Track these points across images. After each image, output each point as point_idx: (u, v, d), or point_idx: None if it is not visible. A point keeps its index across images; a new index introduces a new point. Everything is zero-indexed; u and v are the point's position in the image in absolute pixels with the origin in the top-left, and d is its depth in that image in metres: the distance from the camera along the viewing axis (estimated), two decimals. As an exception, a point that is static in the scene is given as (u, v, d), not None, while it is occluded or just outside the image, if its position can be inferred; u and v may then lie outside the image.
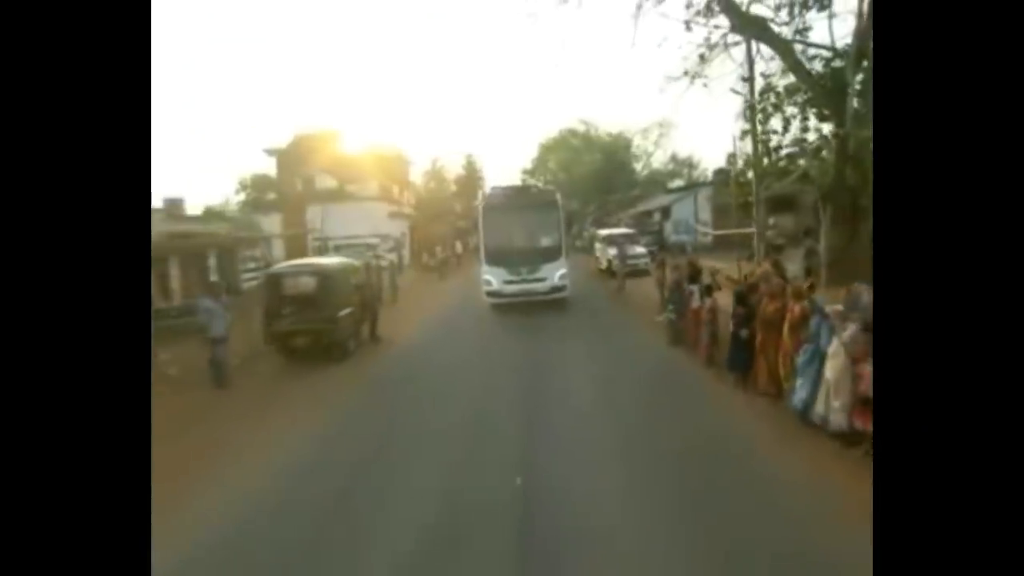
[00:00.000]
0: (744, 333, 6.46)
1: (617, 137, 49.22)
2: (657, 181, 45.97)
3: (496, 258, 12.80)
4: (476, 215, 14.22)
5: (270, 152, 36.97)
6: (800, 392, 5.34)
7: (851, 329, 4.71)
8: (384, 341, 10.90)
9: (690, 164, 48.64)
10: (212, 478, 5.16)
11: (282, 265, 10.93)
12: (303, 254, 25.39)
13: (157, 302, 12.79)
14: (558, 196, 13.93)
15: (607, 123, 54.87)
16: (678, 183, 43.43)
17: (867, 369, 4.44)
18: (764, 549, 3.59)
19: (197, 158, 58.95)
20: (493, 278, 12.73)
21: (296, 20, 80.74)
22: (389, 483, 4.86)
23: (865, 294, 4.86)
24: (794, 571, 3.42)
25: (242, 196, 43.58)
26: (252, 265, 20.59)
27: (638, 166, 49.89)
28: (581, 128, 49.96)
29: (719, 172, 27.71)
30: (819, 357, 5.11)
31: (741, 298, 6.71)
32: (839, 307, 5.12)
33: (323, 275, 9.40)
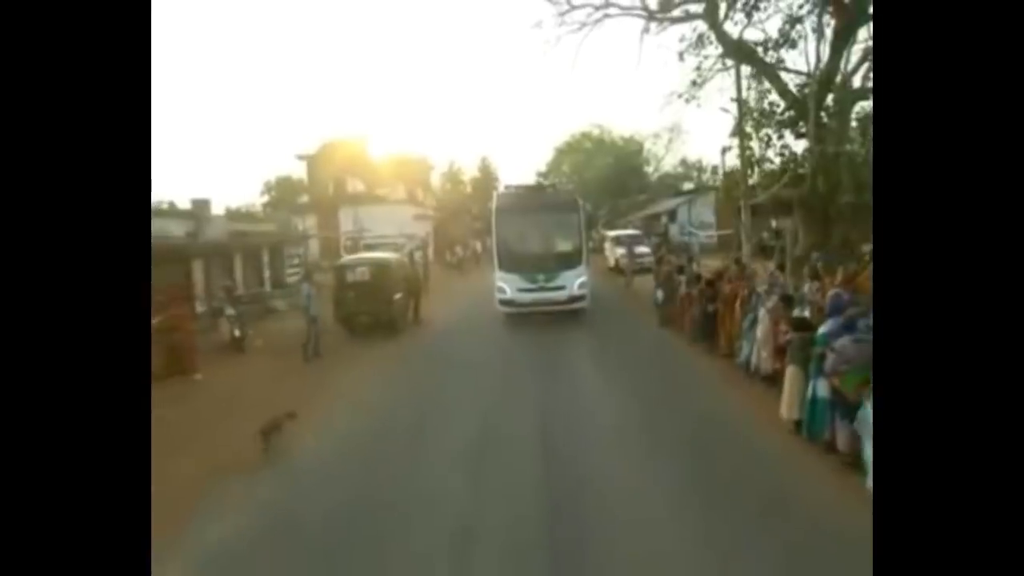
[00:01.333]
0: (711, 308, 8.56)
1: (629, 141, 50.93)
2: (667, 184, 47.62)
3: (510, 264, 11.79)
4: (488, 216, 13.39)
5: (301, 157, 39.61)
6: (744, 350, 7.40)
7: (773, 300, 6.76)
8: (424, 322, 13.13)
9: (699, 168, 50.18)
10: (333, 403, 7.40)
11: (346, 259, 13.25)
12: (337, 253, 27.85)
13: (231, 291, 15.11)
14: (578, 197, 13.27)
15: (620, 127, 56.49)
16: (688, 186, 45.09)
17: (783, 327, 6.46)
18: (705, 424, 5.73)
19: (222, 161, 61.95)
20: (507, 285, 11.71)
21: (313, 27, 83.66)
22: (440, 404, 7.23)
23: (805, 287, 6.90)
24: (714, 425, 5.64)
25: (266, 198, 46.24)
26: (296, 261, 23.00)
27: (649, 169, 51.61)
28: (595, 132, 51.80)
29: (727, 175, 29.59)
30: (755, 323, 7.17)
31: (709, 283, 8.82)
32: (765, 287, 7.19)
33: (379, 267, 11.66)
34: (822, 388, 4.93)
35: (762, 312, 6.92)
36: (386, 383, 8.47)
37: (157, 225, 12.27)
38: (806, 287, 7.25)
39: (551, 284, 11.65)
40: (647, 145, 51.00)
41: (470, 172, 49.30)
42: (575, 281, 11.75)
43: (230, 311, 10.80)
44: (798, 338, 5.50)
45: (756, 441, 5.49)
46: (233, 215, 21.40)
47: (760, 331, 6.92)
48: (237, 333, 10.50)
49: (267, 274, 19.55)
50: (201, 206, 22.57)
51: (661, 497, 4.56)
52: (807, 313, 6.03)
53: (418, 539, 4.11)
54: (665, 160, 51.76)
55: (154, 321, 8.74)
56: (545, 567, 3.74)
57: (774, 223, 22.58)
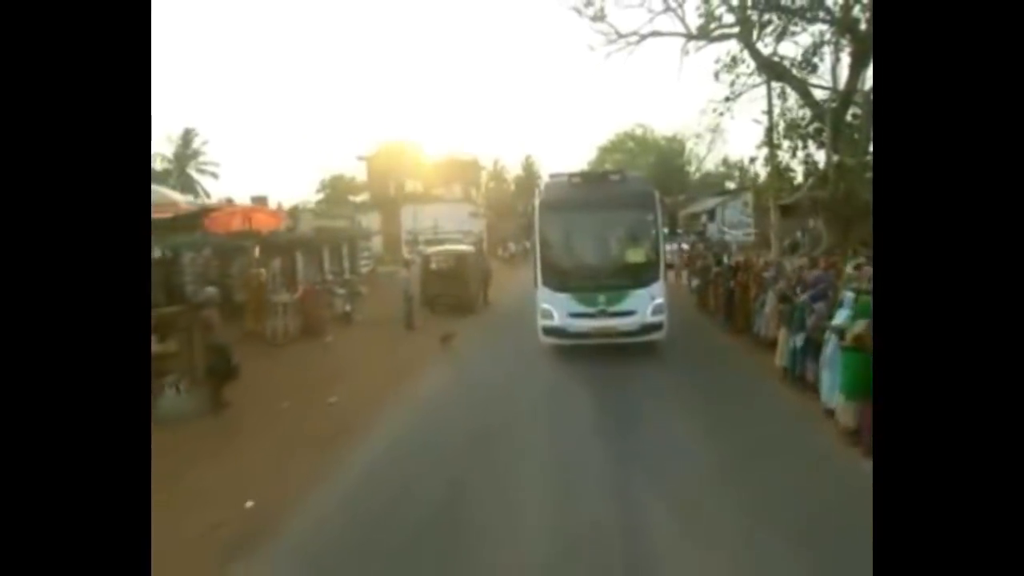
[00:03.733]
0: (730, 285, 10.70)
1: (672, 140, 52.23)
2: (709, 184, 48.76)
3: (559, 280, 8.84)
4: (530, 215, 9.73)
5: (361, 158, 42.79)
6: (758, 324, 9.46)
7: (779, 285, 8.81)
8: (492, 303, 15.58)
9: (741, 168, 50.98)
10: (432, 359, 9.84)
11: (430, 250, 15.77)
12: (398, 248, 30.72)
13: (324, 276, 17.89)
14: (653, 188, 9.60)
15: (662, 127, 57.64)
16: (731, 185, 46.16)
17: (782, 306, 8.48)
18: (721, 370, 7.89)
19: (276, 159, 66.17)
20: (555, 309, 8.73)
21: (349, 30, 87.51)
22: (508, 352, 9.56)
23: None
24: (725, 366, 7.76)
25: (321, 195, 49.72)
26: (367, 254, 25.95)
27: (691, 169, 52.83)
28: (638, 131, 53.31)
29: (755, 180, 31.12)
30: (764, 304, 9.23)
31: (732, 270, 10.89)
32: (772, 274, 9.27)
33: (459, 257, 14.15)
34: (799, 341, 7.01)
35: (770, 294, 8.97)
36: (472, 341, 10.97)
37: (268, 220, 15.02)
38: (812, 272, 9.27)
39: (616, 308, 8.61)
40: (689, 145, 52.01)
41: (515, 171, 51.52)
42: (649, 304, 8.64)
43: (340, 291, 13.45)
44: (787, 308, 7.58)
45: (754, 376, 7.71)
46: (316, 213, 24.27)
47: (767, 308, 8.98)
48: (348, 308, 13.12)
49: (347, 264, 22.41)
50: (259, 202, 25.61)
51: (692, 393, 7.13)
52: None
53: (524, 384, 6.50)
54: (707, 160, 52.80)
55: (294, 296, 11.45)
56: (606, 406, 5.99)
57: (811, 223, 24.13)
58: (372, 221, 32.66)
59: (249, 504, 4.66)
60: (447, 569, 3.76)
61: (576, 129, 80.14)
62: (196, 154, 38.72)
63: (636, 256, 9.01)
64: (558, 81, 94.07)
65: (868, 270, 8.09)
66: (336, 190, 48.53)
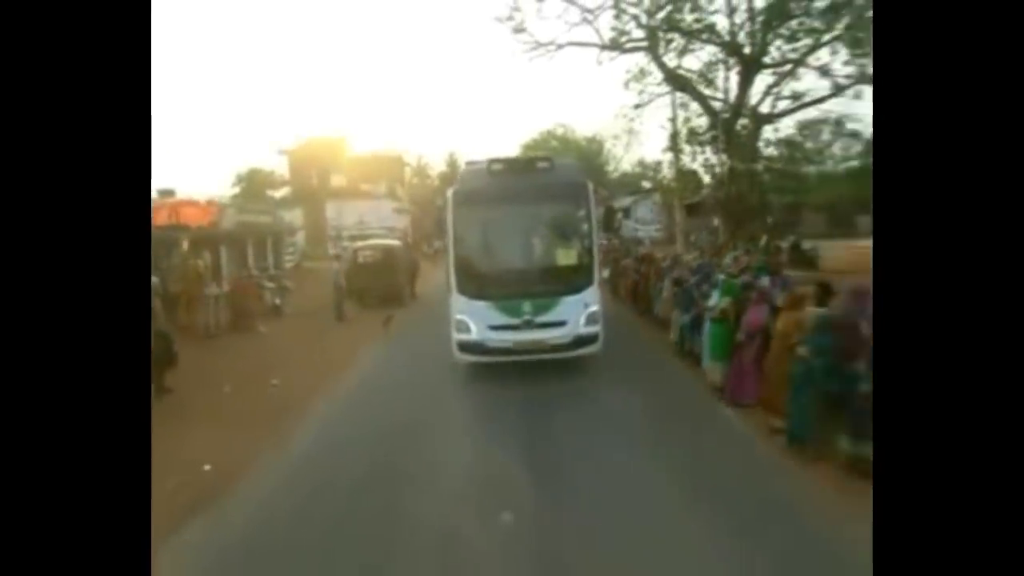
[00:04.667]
0: (636, 275, 12.05)
1: (591, 141, 54.60)
2: (625, 183, 51.38)
3: (476, 286, 7.57)
4: (442, 210, 8.49)
5: (282, 152, 41.70)
6: (656, 307, 10.80)
7: (675, 273, 10.15)
8: (418, 296, 16.24)
9: (655, 168, 54.15)
10: (365, 345, 10.44)
11: (358, 244, 16.18)
12: (323, 243, 30.54)
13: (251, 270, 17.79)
14: (586, 178, 8.13)
15: (583, 128, 59.80)
16: (647, 185, 48.94)
17: (675, 290, 9.83)
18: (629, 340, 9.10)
19: (189, 151, 62.82)
20: (472, 320, 7.47)
21: (271, 22, 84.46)
22: (433, 340, 10.26)
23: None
24: (633, 340, 8.94)
25: (236, 190, 47.88)
26: (291, 249, 25.73)
27: (610, 169, 55.41)
28: (559, 131, 55.26)
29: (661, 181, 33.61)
30: (662, 289, 10.58)
31: (638, 262, 12.26)
32: (668, 264, 10.65)
33: (386, 251, 14.71)
34: (687, 319, 8.31)
35: (667, 281, 10.32)
36: (401, 330, 11.62)
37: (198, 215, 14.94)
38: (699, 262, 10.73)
39: (544, 318, 7.38)
40: (607, 146, 54.84)
41: (439, 167, 51.90)
42: (582, 313, 7.46)
43: (269, 284, 13.67)
44: (679, 292, 8.89)
45: (651, 350, 8.92)
46: (239, 208, 23.82)
47: (664, 293, 10.33)
48: (277, 301, 13.39)
49: (271, 259, 22.20)
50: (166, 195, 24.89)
51: (597, 361, 8.01)
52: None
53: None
54: (624, 160, 55.68)
55: (226, 288, 11.66)
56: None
57: (715, 221, 26.57)
58: (295, 216, 32.19)
59: (207, 467, 5.23)
60: (383, 515, 4.49)
61: (500, 128, 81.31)
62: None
63: (567, 257, 7.71)
64: (483, 80, 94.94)
65: (744, 259, 9.61)
66: (253, 184, 46.86)
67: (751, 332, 6.04)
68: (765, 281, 7.16)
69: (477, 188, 7.73)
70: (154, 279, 7.97)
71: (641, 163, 55.42)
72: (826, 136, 23.33)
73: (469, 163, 9.20)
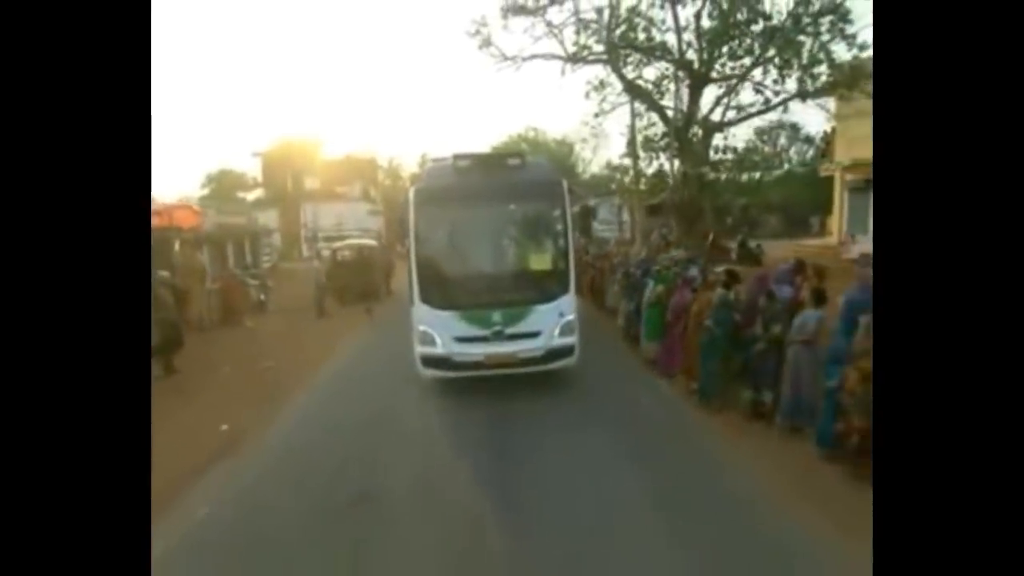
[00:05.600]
0: (592, 271, 13.35)
1: (561, 143, 56.11)
2: (594, 185, 52.95)
3: (441, 295, 6.95)
4: (404, 210, 7.29)
5: (256, 154, 42.10)
6: (609, 298, 12.10)
7: (624, 269, 11.46)
8: (394, 292, 17.28)
9: (622, 171, 55.85)
10: (345, 337, 11.47)
11: (336, 244, 17.14)
12: (298, 245, 31.25)
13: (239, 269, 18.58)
14: (560, 176, 7.58)
15: (553, 131, 61.19)
16: (614, 187, 50.55)
17: (624, 283, 11.13)
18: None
19: (157, 151, 62.18)
20: (436, 332, 6.89)
21: (247, 29, 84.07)
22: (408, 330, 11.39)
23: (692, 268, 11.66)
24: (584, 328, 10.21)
25: (206, 191, 47.97)
26: (267, 250, 26.43)
27: (580, 171, 57.00)
28: (530, 134, 56.65)
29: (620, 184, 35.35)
30: (614, 282, 11.89)
31: (596, 259, 13.57)
32: (619, 259, 11.97)
33: (363, 250, 15.71)
34: (631, 307, 9.59)
35: (618, 275, 11.63)
36: (380, 322, 12.67)
37: (189, 217, 15.74)
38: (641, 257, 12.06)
39: (515, 329, 6.84)
40: (576, 148, 56.42)
41: (411, 168, 52.71)
42: (557, 323, 6.95)
43: (253, 282, 14.56)
44: (626, 283, 10.19)
45: (603, 335, 10.18)
46: (218, 210, 24.45)
47: (616, 286, 11.64)
48: (262, 297, 14.29)
49: (249, 259, 22.92)
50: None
51: None
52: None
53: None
54: (593, 163, 57.31)
55: (215, 285, 12.56)
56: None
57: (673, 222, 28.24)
58: (270, 218, 32.78)
59: (224, 427, 6.27)
60: (367, 456, 5.56)
61: (472, 131, 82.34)
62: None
63: (540, 262, 7.13)
64: (455, 84, 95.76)
65: (679, 254, 10.98)
66: (223, 185, 46.98)
67: (676, 313, 7.32)
68: (694, 271, 8.46)
69: (441, 186, 7.03)
70: (165, 273, 8.89)
71: (608, 165, 57.22)
72: (772, 144, 25.06)
73: (434, 160, 8.39)
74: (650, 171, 19.60)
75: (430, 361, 6.95)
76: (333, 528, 4.22)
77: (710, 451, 5.42)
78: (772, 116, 17.89)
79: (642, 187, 20.11)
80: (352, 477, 5.05)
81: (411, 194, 7.08)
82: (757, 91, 16.00)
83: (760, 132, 39.08)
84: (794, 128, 37.06)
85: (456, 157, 7.11)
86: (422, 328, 6.92)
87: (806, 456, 4.98)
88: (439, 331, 6.82)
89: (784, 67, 14.67)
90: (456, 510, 4.43)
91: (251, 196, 45.92)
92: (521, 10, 16.55)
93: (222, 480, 5.15)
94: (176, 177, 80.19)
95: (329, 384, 8.24)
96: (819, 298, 5.38)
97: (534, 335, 6.86)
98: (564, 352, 7.02)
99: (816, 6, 13.97)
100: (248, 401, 7.28)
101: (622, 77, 19.20)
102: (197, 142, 75.53)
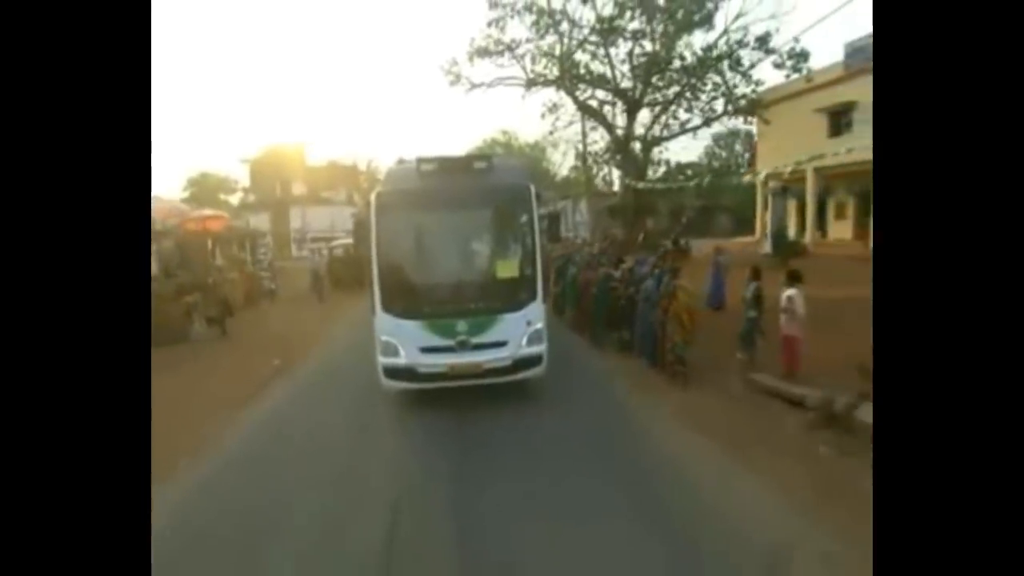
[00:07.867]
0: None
1: (534, 147, 59.31)
2: (566, 188, 56.13)
3: (404, 304, 6.72)
4: (365, 215, 7.24)
5: (244, 161, 44.81)
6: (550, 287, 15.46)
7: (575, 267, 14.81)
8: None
9: (588, 175, 59.29)
10: (341, 314, 14.62)
11: (332, 243, 20.27)
12: (287, 246, 34.16)
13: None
14: (528, 180, 7.23)
15: (525, 135, 64.33)
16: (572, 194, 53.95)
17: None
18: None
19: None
20: (400, 342, 6.67)
21: (230, 35, 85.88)
22: None
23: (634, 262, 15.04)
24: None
25: (187, 194, 50.22)
26: (263, 250, 29.38)
27: (552, 173, 60.19)
28: (503, 138, 59.78)
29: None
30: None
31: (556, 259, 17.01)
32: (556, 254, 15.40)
33: (350, 248, 18.83)
34: (558, 288, 12.94)
35: (570, 268, 15.02)
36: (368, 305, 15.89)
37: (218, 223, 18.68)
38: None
39: (481, 338, 6.68)
40: (548, 152, 59.62)
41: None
42: (524, 332, 6.80)
43: (265, 274, 17.66)
44: (556, 272, 13.57)
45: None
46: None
47: (569, 280, 15.02)
48: (273, 287, 17.39)
49: (248, 257, 25.87)
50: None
51: None
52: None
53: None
54: (563, 166, 60.61)
55: (235, 275, 15.64)
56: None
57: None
58: (260, 221, 35.55)
59: (276, 362, 9.47)
60: (366, 384, 8.66)
61: (448, 135, 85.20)
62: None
63: (507, 269, 6.95)
64: (432, 91, 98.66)
65: (599, 246, 14.34)
66: (203, 188, 49.15)
67: (583, 288, 10.69)
68: (603, 259, 11.80)
69: (404, 190, 6.87)
70: (219, 263, 12.03)
71: (576, 168, 60.59)
72: (730, 150, 28.72)
73: (399, 161, 8.33)
74: (597, 180, 23.09)
75: (394, 372, 6.72)
76: (364, 399, 7.46)
77: (594, 363, 8.83)
78: (719, 127, 21.44)
79: (593, 193, 23.57)
80: (363, 384, 8.31)
81: (372, 198, 6.80)
82: (687, 112, 19.56)
83: (717, 138, 42.90)
84: (748, 136, 40.81)
85: (420, 160, 6.86)
86: (384, 338, 6.67)
87: (641, 366, 8.38)
88: (402, 341, 6.61)
89: (693, 99, 18.26)
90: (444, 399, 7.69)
91: (233, 199, 48.30)
92: (485, 53, 19.88)
93: (284, 384, 8.38)
94: (155, 179, 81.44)
95: (336, 340, 11.48)
96: (659, 273, 8.73)
97: (501, 344, 6.68)
98: (532, 362, 6.82)
99: (718, 50, 17.60)
100: (285, 350, 10.47)
101: (575, 99, 22.68)
102: (177, 145, 77.39)
